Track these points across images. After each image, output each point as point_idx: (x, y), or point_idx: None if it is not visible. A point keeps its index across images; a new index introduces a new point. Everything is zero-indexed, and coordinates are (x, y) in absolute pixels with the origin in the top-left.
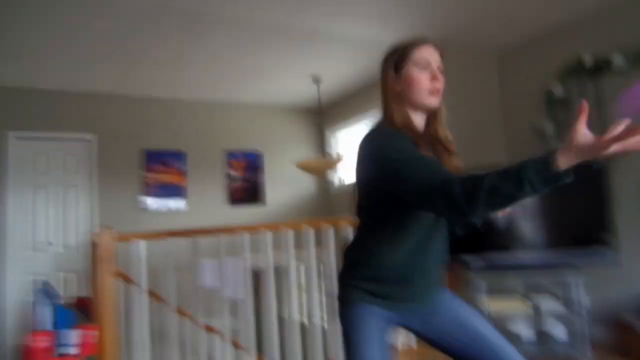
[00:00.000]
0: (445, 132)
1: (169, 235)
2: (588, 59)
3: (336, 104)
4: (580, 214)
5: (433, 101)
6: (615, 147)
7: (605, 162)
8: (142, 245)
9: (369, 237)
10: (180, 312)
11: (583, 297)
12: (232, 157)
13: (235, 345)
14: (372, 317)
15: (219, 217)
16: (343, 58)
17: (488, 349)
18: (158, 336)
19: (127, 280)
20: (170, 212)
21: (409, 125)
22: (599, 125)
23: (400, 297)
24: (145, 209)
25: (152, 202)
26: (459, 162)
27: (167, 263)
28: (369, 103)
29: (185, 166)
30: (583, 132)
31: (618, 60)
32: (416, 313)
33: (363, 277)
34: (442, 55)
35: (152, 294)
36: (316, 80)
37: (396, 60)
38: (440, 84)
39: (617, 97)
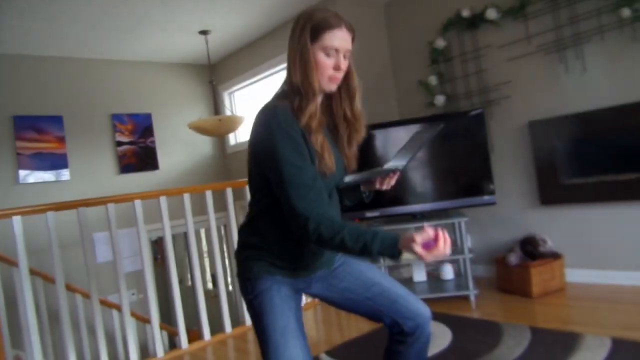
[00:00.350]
0: (352, 109)
1: (48, 209)
2: (466, 13)
3: (229, 59)
4: (464, 164)
5: (331, 87)
6: (430, 257)
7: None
8: (16, 222)
9: (262, 215)
10: (72, 290)
11: (466, 239)
12: (117, 119)
13: (137, 317)
14: (279, 285)
15: (110, 187)
16: (233, 9)
17: (390, 300)
18: (51, 318)
19: (5, 260)
20: (51, 184)
21: (313, 119)
22: (475, 69)
23: (300, 268)
24: (21, 183)
25: (29, 175)
26: (362, 138)
27: (52, 239)
28: (263, 56)
29: (63, 132)
30: (425, 237)
31: (491, 14)
32: (318, 278)
33: (260, 253)
34: (353, 38)
35: (38, 274)
36: (204, 33)
37: (310, 32)
38: (341, 73)
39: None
